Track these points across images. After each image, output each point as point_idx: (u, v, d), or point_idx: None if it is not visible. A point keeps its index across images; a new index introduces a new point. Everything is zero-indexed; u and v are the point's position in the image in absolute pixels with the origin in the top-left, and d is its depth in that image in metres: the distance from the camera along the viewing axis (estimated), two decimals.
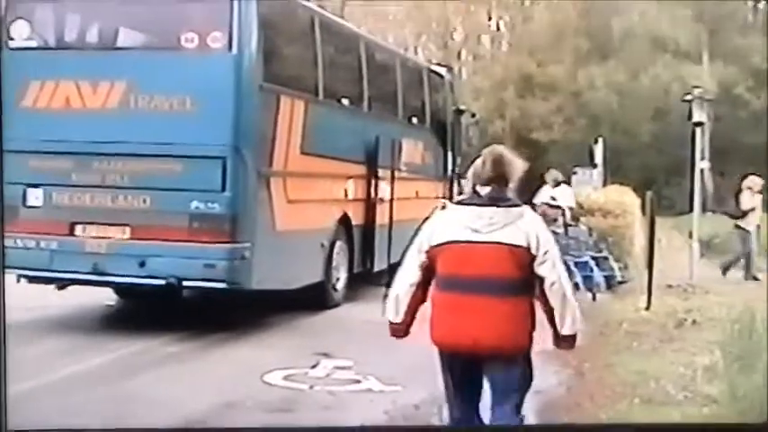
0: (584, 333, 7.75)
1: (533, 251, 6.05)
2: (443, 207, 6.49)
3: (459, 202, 6.46)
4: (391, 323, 6.66)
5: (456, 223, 6.19)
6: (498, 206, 6.12)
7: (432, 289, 6.33)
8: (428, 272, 6.30)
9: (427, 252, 6.28)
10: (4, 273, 12.85)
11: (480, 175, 6.26)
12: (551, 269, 6.09)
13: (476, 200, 6.23)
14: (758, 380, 8.91)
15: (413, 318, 6.50)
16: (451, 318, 6.19)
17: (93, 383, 10.19)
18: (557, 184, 20.41)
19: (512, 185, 6.27)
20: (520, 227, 6.08)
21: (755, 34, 51.46)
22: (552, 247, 6.17)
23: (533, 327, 6.16)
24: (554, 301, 6.10)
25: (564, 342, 6.24)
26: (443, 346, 6.35)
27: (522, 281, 6.07)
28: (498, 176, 6.20)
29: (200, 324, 13.29)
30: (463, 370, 6.33)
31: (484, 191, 6.21)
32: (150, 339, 12.28)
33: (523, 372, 6.31)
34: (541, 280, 6.08)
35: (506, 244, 6.04)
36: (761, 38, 50.79)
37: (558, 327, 6.15)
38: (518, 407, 6.30)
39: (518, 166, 6.31)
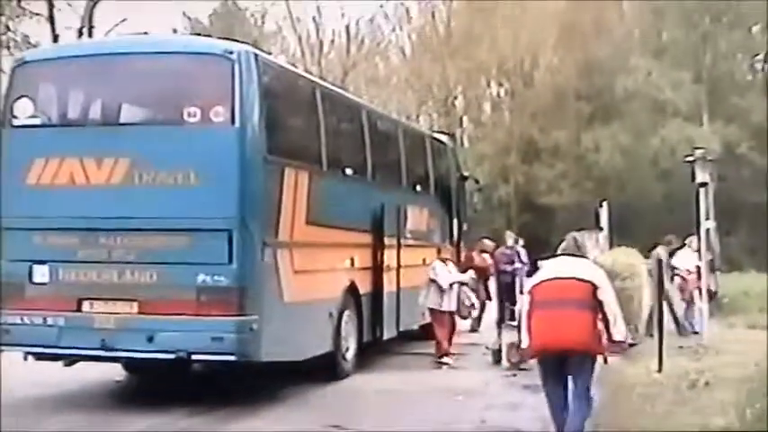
0: (596, 397, 8.91)
1: (596, 284, 9.70)
2: (541, 266, 10.44)
3: (548, 258, 10.40)
4: (523, 348, 10.27)
5: (547, 270, 10.08)
6: (571, 256, 10.15)
7: (531, 311, 9.81)
8: (532, 304, 9.82)
9: (530, 291, 9.99)
10: None
11: (566, 248, 10.33)
12: (607, 296, 9.74)
13: (557, 257, 10.20)
14: None
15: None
16: (544, 327, 9.64)
17: None
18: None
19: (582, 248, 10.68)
20: (585, 270, 9.95)
21: (753, 93, 51.79)
22: (607, 283, 9.94)
23: (598, 334, 9.67)
24: (609, 317, 9.68)
25: (614, 345, 9.96)
26: (538, 348, 9.79)
27: (589, 302, 9.60)
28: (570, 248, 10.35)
29: (210, 398, 13.21)
30: (553, 364, 9.81)
31: (563, 252, 10.25)
32: (161, 415, 12.18)
33: (592, 363, 9.91)
34: (601, 303, 9.66)
35: (577, 278, 9.72)
36: (759, 97, 51.08)
37: (612, 334, 9.73)
38: (588, 392, 9.82)
39: (585, 242, 10.53)
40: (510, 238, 23.00)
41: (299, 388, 14.18)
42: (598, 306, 9.63)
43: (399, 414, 12.79)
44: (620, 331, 9.77)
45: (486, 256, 23.10)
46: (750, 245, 46.73)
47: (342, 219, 15.49)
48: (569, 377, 9.78)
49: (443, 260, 17.82)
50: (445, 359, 17.33)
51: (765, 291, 25.90)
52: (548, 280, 9.87)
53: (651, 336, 19.98)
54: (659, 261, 16.80)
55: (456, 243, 22.25)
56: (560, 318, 9.52)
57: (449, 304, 17.47)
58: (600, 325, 9.71)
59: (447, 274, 17.49)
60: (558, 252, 10.31)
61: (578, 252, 10.37)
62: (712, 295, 22.07)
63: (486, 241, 24.35)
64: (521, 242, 25.74)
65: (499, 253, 22.88)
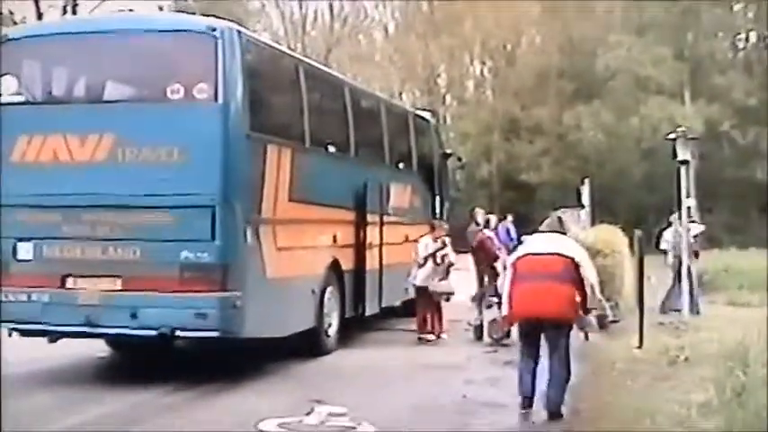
0: (577, 373, 9.18)
1: (576, 260, 10.50)
2: (525, 240, 12.00)
3: (533, 233, 11.48)
4: (505, 315, 11.08)
5: (531, 245, 10.95)
6: (554, 233, 10.95)
7: (514, 282, 10.61)
8: (514, 275, 10.62)
9: (513, 264, 10.80)
10: None
11: (550, 224, 11.18)
12: (587, 272, 10.56)
13: (542, 233, 11.09)
14: (753, 416, 8.91)
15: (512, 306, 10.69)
16: (525, 297, 10.48)
17: None
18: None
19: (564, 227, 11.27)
20: (567, 246, 10.73)
21: (735, 72, 51.95)
22: (588, 260, 10.77)
23: (575, 306, 10.45)
24: (588, 291, 10.49)
25: (586, 312, 10.83)
26: (520, 316, 10.71)
27: (569, 276, 10.40)
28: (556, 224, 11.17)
29: (193, 374, 13.27)
30: (530, 332, 10.71)
31: (547, 229, 11.08)
32: (145, 391, 12.24)
33: (568, 334, 10.68)
34: (581, 278, 10.43)
35: (559, 254, 10.53)
36: (740, 75, 51.25)
37: (588, 303, 10.55)
38: (567, 358, 10.57)
39: (568, 220, 11.64)
40: (479, 214, 22.87)
41: (281, 364, 14.26)
42: (579, 281, 10.46)
43: (381, 389, 12.88)
44: (594, 301, 10.78)
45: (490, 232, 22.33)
46: (730, 223, 47.03)
47: (325, 196, 15.53)
48: (549, 345, 10.64)
49: (436, 238, 17.81)
50: (428, 336, 17.42)
51: (744, 268, 26.09)
52: (531, 254, 10.75)
53: (665, 312, 20.25)
54: (641, 240, 16.78)
55: (438, 220, 22.26)
56: (541, 290, 10.39)
57: (423, 279, 17.53)
58: (578, 298, 10.50)
59: (424, 250, 17.55)
60: (542, 228, 11.18)
61: (561, 229, 11.09)
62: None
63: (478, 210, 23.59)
64: (510, 218, 25.70)
65: (470, 231, 22.77)
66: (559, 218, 11.33)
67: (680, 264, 20.32)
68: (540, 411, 10.69)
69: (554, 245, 10.74)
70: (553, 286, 10.40)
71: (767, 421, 8.51)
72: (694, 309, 20.52)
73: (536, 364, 10.75)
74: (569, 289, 10.42)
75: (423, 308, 17.64)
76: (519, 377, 10.82)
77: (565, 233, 11.16)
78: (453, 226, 20.02)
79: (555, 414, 10.58)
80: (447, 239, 17.98)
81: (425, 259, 17.46)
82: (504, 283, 11.12)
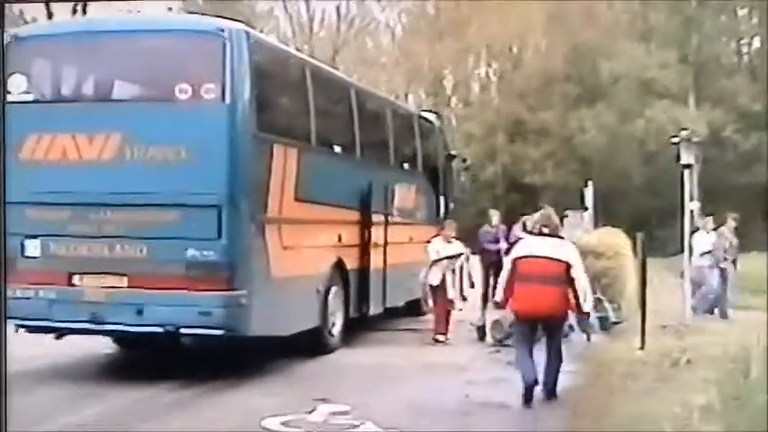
0: (579, 374, 9.30)
1: (570, 263, 11.52)
2: (523, 237, 13.42)
3: (529, 233, 12.68)
4: (496, 302, 12.44)
5: (528, 246, 11.89)
6: (550, 237, 11.80)
7: (513, 281, 11.63)
8: (513, 273, 11.66)
9: (512, 262, 11.77)
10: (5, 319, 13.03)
11: (542, 223, 11.99)
12: (579, 273, 11.63)
13: (538, 234, 11.95)
14: (755, 418, 8.96)
15: (507, 299, 11.81)
16: (524, 297, 11.55)
17: None
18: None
19: (558, 228, 12.13)
20: (562, 249, 11.69)
21: (739, 77, 51.99)
22: (579, 261, 11.79)
23: (569, 304, 11.69)
24: (579, 291, 11.59)
25: (583, 314, 12.49)
26: (518, 313, 11.77)
27: (563, 278, 11.48)
28: (548, 224, 11.94)
29: (197, 371, 13.34)
30: (526, 327, 11.80)
31: (544, 230, 11.85)
32: (149, 387, 12.34)
33: (562, 328, 12.33)
34: (572, 279, 11.52)
35: (554, 258, 11.52)
36: (745, 80, 51.27)
37: (581, 305, 11.77)
38: (559, 347, 11.85)
39: (556, 219, 12.22)
40: (494, 216, 22.90)
41: (285, 362, 14.33)
42: (570, 282, 11.58)
43: (384, 388, 12.94)
44: (588, 302, 12.06)
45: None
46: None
47: (330, 196, 15.61)
48: (546, 336, 11.95)
49: (446, 238, 17.91)
50: (440, 336, 17.45)
51: (747, 272, 26.10)
52: (527, 257, 11.71)
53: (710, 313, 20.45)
54: (643, 242, 16.79)
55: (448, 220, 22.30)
56: (537, 292, 11.49)
57: (434, 279, 17.60)
58: (571, 298, 11.70)
59: (433, 252, 17.61)
60: (535, 221, 12.36)
61: (551, 225, 12.04)
62: None
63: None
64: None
65: (483, 231, 22.80)
66: (549, 215, 12.21)
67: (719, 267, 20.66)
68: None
69: (547, 248, 11.71)
70: (547, 289, 11.50)
71: None
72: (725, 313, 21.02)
73: (531, 350, 11.78)
74: (563, 290, 11.58)
75: (438, 308, 17.69)
76: (520, 365, 11.86)
77: (557, 234, 12.03)
78: (458, 227, 20.11)
79: (552, 394, 11.79)
80: (461, 245, 18.06)
81: (434, 262, 17.51)
82: (502, 275, 12.16)
